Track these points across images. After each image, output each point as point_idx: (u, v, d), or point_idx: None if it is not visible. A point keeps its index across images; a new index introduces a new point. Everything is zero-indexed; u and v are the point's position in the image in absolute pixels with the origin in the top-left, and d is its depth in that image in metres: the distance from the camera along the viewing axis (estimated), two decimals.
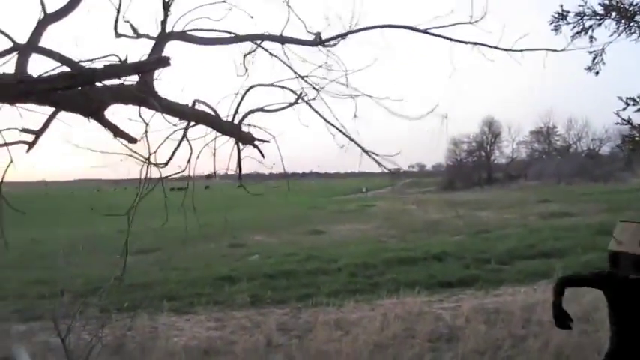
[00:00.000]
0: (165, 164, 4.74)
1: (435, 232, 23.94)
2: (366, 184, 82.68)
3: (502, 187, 78.61)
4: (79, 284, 12.75)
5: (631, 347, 4.23)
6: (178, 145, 4.81)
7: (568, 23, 6.58)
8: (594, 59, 6.64)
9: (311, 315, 11.47)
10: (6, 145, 4.07)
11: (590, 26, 6.51)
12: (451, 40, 5.25)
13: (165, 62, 4.01)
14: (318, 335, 9.46)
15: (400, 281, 14.06)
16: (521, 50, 5.18)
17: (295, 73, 5.26)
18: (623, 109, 6.13)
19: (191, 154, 4.91)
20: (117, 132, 4.38)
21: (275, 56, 5.28)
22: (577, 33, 6.52)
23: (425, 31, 5.21)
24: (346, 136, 5.16)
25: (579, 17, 6.52)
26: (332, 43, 5.34)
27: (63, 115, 4.38)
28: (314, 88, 5.27)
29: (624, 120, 6.16)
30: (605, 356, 4.42)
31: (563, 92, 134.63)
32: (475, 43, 5.21)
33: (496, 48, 5.18)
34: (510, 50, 5.17)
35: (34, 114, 4.28)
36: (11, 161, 4.12)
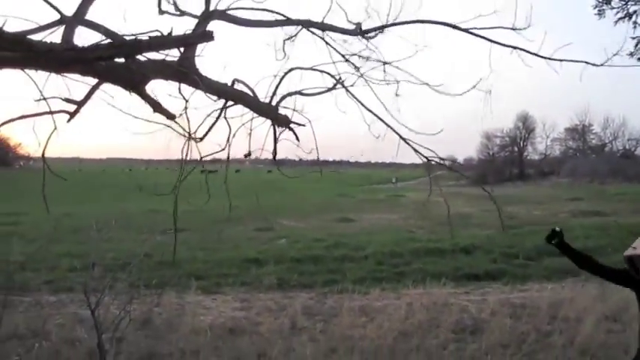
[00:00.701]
0: (202, 139, 4.80)
1: (464, 225, 23.66)
2: (395, 175, 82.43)
3: (534, 184, 77.63)
4: (109, 259, 13.02)
5: None
6: (215, 122, 4.86)
7: (612, 8, 6.47)
8: (637, 45, 6.52)
9: (336, 300, 11.52)
10: (50, 113, 4.17)
11: (635, 12, 6.39)
12: (491, 41, 5.18)
13: (208, 37, 4.05)
14: (342, 320, 9.51)
15: (427, 272, 14.01)
16: (560, 60, 5.08)
17: (339, 53, 5.27)
18: None
19: (229, 132, 4.98)
20: (157, 107, 4.46)
21: (318, 36, 5.28)
22: (620, 18, 6.41)
23: (466, 30, 5.15)
24: (384, 122, 5.19)
25: (624, 2, 6.41)
26: (372, 34, 5.33)
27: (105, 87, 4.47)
28: (356, 68, 5.29)
29: None
30: None
31: (601, 89, 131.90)
32: (515, 47, 5.11)
33: (536, 55, 5.10)
34: (549, 59, 5.08)
35: (76, 86, 4.38)
36: (55, 128, 4.22)
